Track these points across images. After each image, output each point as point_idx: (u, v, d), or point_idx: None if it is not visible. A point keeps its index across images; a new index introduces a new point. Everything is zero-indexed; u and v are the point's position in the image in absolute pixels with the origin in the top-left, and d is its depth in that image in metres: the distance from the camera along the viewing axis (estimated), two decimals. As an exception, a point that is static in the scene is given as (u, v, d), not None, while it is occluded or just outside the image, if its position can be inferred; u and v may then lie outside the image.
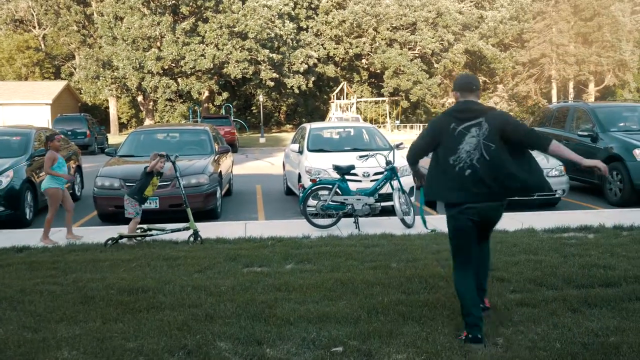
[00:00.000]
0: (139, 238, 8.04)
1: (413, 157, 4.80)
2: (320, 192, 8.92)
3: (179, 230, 8.06)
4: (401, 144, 10.69)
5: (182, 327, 4.62)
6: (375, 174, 9.94)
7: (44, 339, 4.45)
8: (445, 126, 4.47)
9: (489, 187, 4.31)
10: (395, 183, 8.97)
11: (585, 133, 12.24)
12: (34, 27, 57.72)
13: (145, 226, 8.25)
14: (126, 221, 9.75)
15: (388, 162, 9.02)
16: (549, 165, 10.84)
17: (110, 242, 7.78)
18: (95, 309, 5.09)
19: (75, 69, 52.19)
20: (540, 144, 4.43)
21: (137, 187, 8.17)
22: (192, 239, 7.85)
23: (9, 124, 34.11)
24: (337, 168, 8.95)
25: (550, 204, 11.17)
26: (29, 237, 8.50)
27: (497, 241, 7.45)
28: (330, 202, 8.76)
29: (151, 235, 8.06)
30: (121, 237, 7.86)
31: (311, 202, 8.90)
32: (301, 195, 9.21)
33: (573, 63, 52.84)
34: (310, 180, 9.91)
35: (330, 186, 8.83)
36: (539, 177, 4.44)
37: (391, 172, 8.94)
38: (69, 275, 6.19)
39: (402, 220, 8.77)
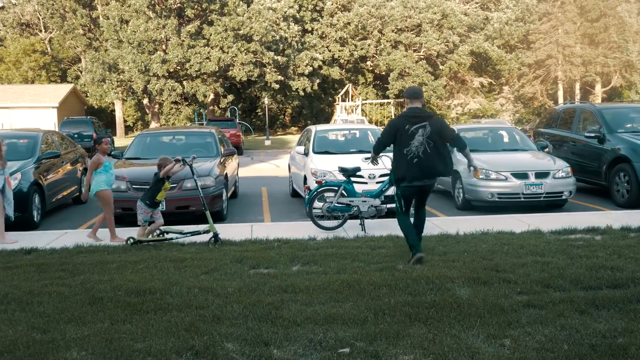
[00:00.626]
0: (156, 241, 7.96)
1: (378, 148, 7.02)
2: (326, 194, 8.92)
3: (198, 233, 8.01)
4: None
5: (189, 328, 4.64)
6: (381, 175, 9.96)
7: (53, 339, 4.47)
8: (402, 127, 6.53)
9: (427, 170, 6.54)
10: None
11: (592, 134, 12.22)
12: (40, 31, 58.00)
13: (163, 228, 8.18)
14: (132, 223, 9.79)
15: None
16: (556, 167, 10.82)
17: (131, 240, 7.82)
18: (104, 310, 5.11)
19: (81, 72, 52.37)
20: (460, 145, 6.80)
21: (149, 193, 8.08)
22: (212, 241, 7.79)
23: (16, 127, 34.30)
24: (342, 170, 8.93)
25: (557, 206, 11.15)
26: (37, 239, 8.54)
27: (504, 243, 7.46)
28: (336, 204, 8.76)
29: (170, 239, 7.96)
30: (139, 241, 7.81)
31: (317, 204, 8.90)
32: (307, 197, 9.22)
33: (579, 64, 52.68)
34: (316, 182, 9.94)
35: (336, 188, 8.83)
36: (450, 168, 6.72)
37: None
38: (77, 277, 6.22)
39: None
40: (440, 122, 6.64)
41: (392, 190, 8.94)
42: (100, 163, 8.32)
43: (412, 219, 6.96)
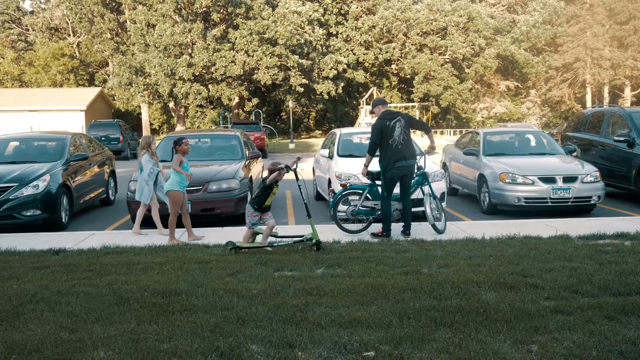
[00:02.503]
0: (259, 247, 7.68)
1: (373, 150, 8.49)
2: (350, 197, 8.88)
3: (301, 240, 7.65)
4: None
5: (214, 329, 4.66)
6: None
7: (81, 339, 4.53)
8: (384, 125, 8.36)
9: (407, 153, 8.33)
10: (426, 188, 8.89)
11: (622, 138, 12.02)
12: (69, 35, 59.02)
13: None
14: (153, 224, 9.90)
15: (419, 168, 8.92)
16: (584, 172, 10.66)
17: (230, 245, 7.52)
18: (130, 311, 5.16)
19: (108, 75, 53.17)
20: (427, 128, 9.02)
21: (258, 198, 7.74)
22: (314, 249, 7.48)
23: (44, 130, 34.90)
24: (368, 173, 8.85)
25: (585, 211, 10.99)
26: (65, 240, 8.67)
27: (531, 247, 7.37)
28: (361, 208, 8.74)
29: (271, 246, 7.65)
30: (240, 247, 7.46)
31: (341, 207, 8.85)
32: (331, 200, 9.19)
33: (608, 67, 51.89)
34: (341, 185, 9.92)
35: (361, 191, 8.79)
36: (415, 153, 8.57)
37: (422, 178, 8.88)
38: (104, 278, 6.30)
39: (433, 226, 8.71)
40: (408, 115, 8.66)
41: (417, 194, 8.94)
42: (181, 162, 8.36)
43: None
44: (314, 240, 7.55)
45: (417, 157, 8.79)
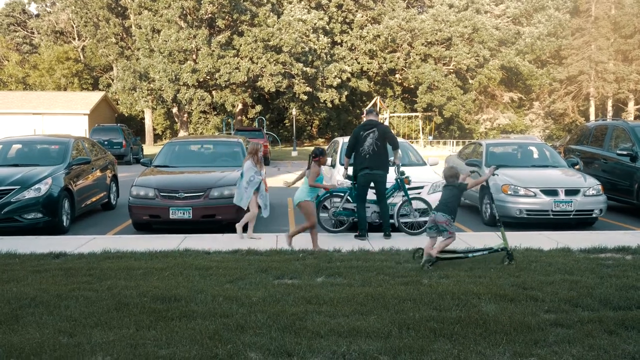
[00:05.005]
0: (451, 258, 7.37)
1: (349, 152, 9.30)
2: (333, 200, 9.59)
3: (496, 251, 7.38)
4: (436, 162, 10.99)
5: (213, 336, 4.65)
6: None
7: (79, 343, 4.52)
8: (358, 134, 9.15)
9: (372, 164, 8.96)
10: (401, 194, 9.47)
11: (625, 152, 12.01)
12: (74, 39, 59.28)
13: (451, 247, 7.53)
14: (159, 230, 9.92)
15: (401, 173, 9.45)
16: (587, 185, 10.65)
17: (427, 265, 6.96)
18: (129, 316, 5.16)
19: (112, 80, 53.34)
20: (394, 145, 9.24)
21: (452, 206, 7.31)
22: (507, 260, 7.20)
23: (47, 133, 34.98)
24: (348, 177, 9.51)
25: (587, 224, 10.96)
26: (66, 243, 8.67)
27: (532, 260, 7.35)
28: (342, 209, 9.47)
29: (466, 257, 7.35)
30: (438, 259, 7.08)
31: (325, 210, 9.65)
32: (315, 201, 9.54)
33: (612, 81, 51.92)
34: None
35: (342, 194, 9.47)
36: (387, 164, 9.13)
37: (397, 183, 9.44)
38: (104, 282, 6.29)
39: (400, 227, 9.45)
40: (385, 128, 9.29)
41: (397, 199, 9.55)
42: (319, 173, 8.32)
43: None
44: (505, 250, 7.31)
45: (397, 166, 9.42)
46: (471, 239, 9.16)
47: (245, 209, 9.17)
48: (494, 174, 8.14)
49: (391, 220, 9.55)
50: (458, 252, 7.55)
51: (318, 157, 8.33)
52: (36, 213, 9.73)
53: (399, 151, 9.47)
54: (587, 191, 10.49)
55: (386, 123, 48.10)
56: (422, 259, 7.09)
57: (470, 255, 7.37)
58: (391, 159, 9.44)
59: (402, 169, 9.57)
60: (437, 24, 49.01)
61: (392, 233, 9.24)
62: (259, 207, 9.25)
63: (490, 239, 8.84)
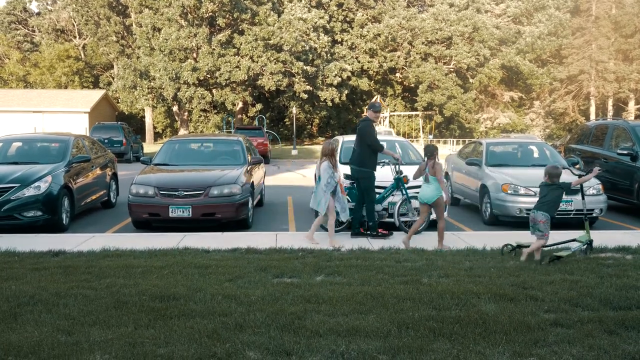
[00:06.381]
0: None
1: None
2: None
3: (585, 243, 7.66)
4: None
5: (212, 335, 4.64)
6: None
7: (77, 342, 4.51)
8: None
9: (354, 161, 9.17)
10: (400, 193, 9.48)
11: (625, 152, 11.99)
12: (75, 37, 59.26)
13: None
14: (159, 228, 9.90)
15: (399, 172, 9.42)
16: (587, 184, 10.62)
17: (554, 256, 7.28)
18: (128, 314, 5.14)
19: (113, 78, 53.31)
20: (371, 147, 9.02)
21: (553, 206, 7.62)
22: (588, 251, 7.58)
23: (48, 131, 34.97)
24: (348, 177, 9.50)
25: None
26: (65, 241, 8.66)
27: (532, 259, 7.33)
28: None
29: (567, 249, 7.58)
30: (558, 257, 7.28)
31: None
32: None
33: (613, 80, 51.89)
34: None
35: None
36: (363, 164, 9.08)
37: (396, 182, 9.44)
38: (102, 280, 6.28)
39: (400, 227, 9.42)
40: (360, 128, 9.21)
41: (397, 198, 9.55)
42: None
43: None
44: (585, 240, 7.64)
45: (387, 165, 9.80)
46: (471, 238, 9.14)
47: (324, 213, 8.74)
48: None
49: (391, 220, 9.55)
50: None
51: (434, 153, 8.48)
52: (36, 211, 9.71)
53: (389, 151, 9.58)
54: (587, 190, 10.46)
55: (386, 122, 48.15)
56: (522, 256, 7.43)
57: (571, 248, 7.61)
58: (386, 160, 9.72)
59: (401, 167, 9.56)
60: (438, 23, 48.98)
61: (393, 232, 9.25)
62: (336, 211, 8.85)
63: (489, 239, 8.83)
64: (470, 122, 55.46)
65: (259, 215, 11.90)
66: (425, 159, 8.50)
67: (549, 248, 7.69)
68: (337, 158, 9.22)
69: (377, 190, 9.35)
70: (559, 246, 7.83)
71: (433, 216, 9.29)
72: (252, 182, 11.11)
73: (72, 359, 4.22)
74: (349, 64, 49.02)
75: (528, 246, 7.51)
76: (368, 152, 9.05)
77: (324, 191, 8.66)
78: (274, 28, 41.18)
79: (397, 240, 8.64)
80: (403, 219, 9.59)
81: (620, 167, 12.22)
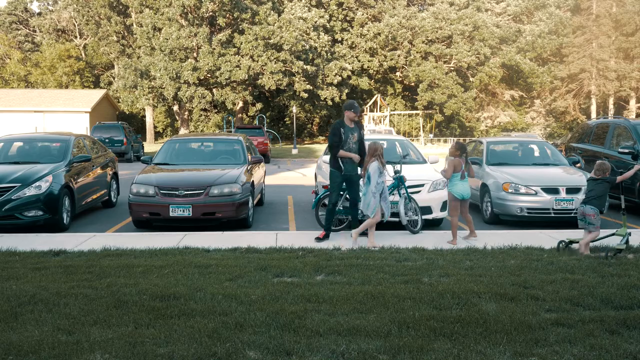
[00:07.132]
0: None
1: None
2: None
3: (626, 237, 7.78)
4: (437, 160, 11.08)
5: (212, 334, 4.63)
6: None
7: (78, 341, 4.51)
8: None
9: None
10: (402, 192, 9.35)
11: (626, 150, 11.97)
12: (76, 37, 59.30)
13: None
14: (159, 228, 9.88)
15: (396, 172, 9.38)
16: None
17: (610, 255, 7.40)
18: (128, 314, 5.14)
19: (114, 78, 53.34)
20: (332, 149, 8.74)
21: (602, 200, 7.85)
22: (624, 244, 7.67)
23: (49, 131, 34.98)
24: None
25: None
26: (66, 241, 8.66)
27: (533, 259, 7.33)
28: (340, 208, 9.21)
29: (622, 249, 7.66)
30: (619, 251, 7.48)
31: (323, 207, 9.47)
32: (314, 200, 9.84)
33: (614, 79, 51.87)
34: (323, 187, 10.06)
35: (341, 193, 9.21)
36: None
37: (397, 181, 9.35)
38: (103, 280, 6.28)
39: (406, 226, 9.27)
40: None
41: (397, 197, 9.42)
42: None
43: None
44: (624, 234, 7.77)
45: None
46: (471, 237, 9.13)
47: (372, 216, 8.37)
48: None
49: (397, 219, 9.39)
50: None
51: (464, 152, 8.78)
52: (36, 210, 9.71)
53: (346, 153, 8.79)
54: (588, 190, 10.44)
55: (387, 121, 48.16)
56: (578, 251, 7.65)
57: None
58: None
59: (399, 167, 9.52)
60: (438, 22, 48.98)
61: (392, 231, 9.20)
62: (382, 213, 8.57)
63: (490, 238, 8.82)
64: (470, 121, 55.46)
65: (259, 215, 11.89)
66: (463, 157, 8.69)
67: (593, 244, 7.93)
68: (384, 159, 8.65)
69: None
70: (604, 240, 8.02)
71: (429, 216, 9.37)
72: (252, 181, 11.10)
73: (73, 359, 4.22)
74: (349, 63, 49.03)
75: (578, 242, 7.83)
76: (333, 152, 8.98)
77: (373, 193, 8.30)
78: (274, 27, 41.19)
79: (397, 240, 8.63)
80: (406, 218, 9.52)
81: (621, 166, 12.19)
